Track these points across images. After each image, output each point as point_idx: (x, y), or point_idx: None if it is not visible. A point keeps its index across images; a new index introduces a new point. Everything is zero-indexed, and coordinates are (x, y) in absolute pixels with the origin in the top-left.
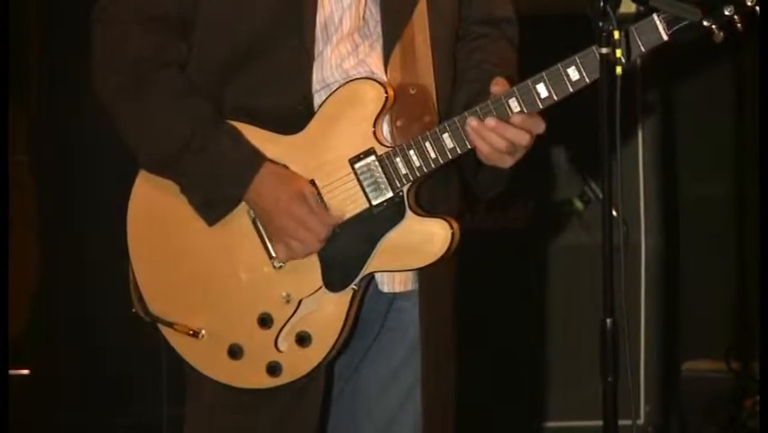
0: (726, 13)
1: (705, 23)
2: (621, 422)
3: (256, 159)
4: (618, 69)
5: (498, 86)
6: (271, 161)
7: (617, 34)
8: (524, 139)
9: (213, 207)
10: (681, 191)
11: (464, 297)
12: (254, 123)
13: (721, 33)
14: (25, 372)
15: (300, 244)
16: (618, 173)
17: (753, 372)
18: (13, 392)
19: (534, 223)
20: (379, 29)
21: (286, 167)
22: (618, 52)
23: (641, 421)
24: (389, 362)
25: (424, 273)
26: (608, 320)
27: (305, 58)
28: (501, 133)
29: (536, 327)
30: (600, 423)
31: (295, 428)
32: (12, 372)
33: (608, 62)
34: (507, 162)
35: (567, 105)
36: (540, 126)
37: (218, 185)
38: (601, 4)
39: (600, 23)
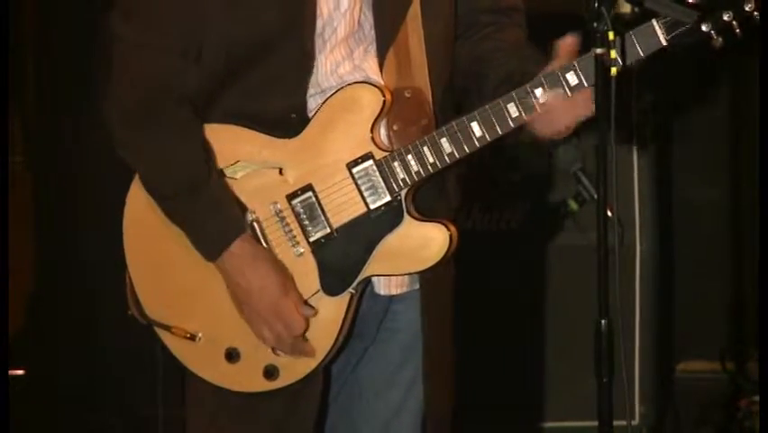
0: (725, 18)
1: (704, 29)
2: (616, 423)
3: (231, 229)
4: (614, 71)
5: (569, 39)
6: (246, 240)
7: (611, 35)
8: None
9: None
10: (675, 192)
11: (460, 298)
12: (251, 126)
13: (720, 39)
14: (20, 372)
15: (274, 340)
16: (613, 174)
17: (747, 372)
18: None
19: (529, 224)
20: (373, 32)
21: (282, 170)
22: (613, 53)
23: (636, 422)
24: (386, 364)
25: (424, 275)
26: (603, 321)
27: (304, 64)
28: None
29: (532, 327)
30: (595, 424)
31: (292, 431)
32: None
33: (602, 63)
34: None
35: None
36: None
37: (202, 236)
38: (596, 5)
39: (595, 24)
